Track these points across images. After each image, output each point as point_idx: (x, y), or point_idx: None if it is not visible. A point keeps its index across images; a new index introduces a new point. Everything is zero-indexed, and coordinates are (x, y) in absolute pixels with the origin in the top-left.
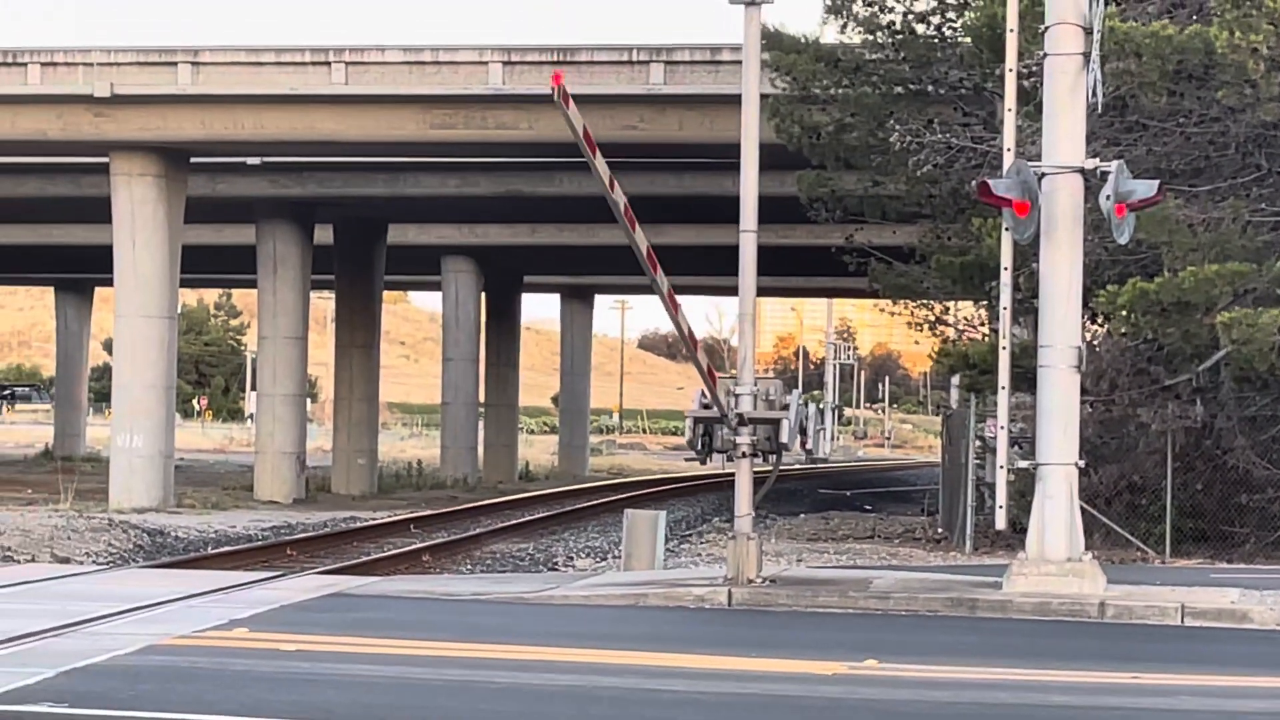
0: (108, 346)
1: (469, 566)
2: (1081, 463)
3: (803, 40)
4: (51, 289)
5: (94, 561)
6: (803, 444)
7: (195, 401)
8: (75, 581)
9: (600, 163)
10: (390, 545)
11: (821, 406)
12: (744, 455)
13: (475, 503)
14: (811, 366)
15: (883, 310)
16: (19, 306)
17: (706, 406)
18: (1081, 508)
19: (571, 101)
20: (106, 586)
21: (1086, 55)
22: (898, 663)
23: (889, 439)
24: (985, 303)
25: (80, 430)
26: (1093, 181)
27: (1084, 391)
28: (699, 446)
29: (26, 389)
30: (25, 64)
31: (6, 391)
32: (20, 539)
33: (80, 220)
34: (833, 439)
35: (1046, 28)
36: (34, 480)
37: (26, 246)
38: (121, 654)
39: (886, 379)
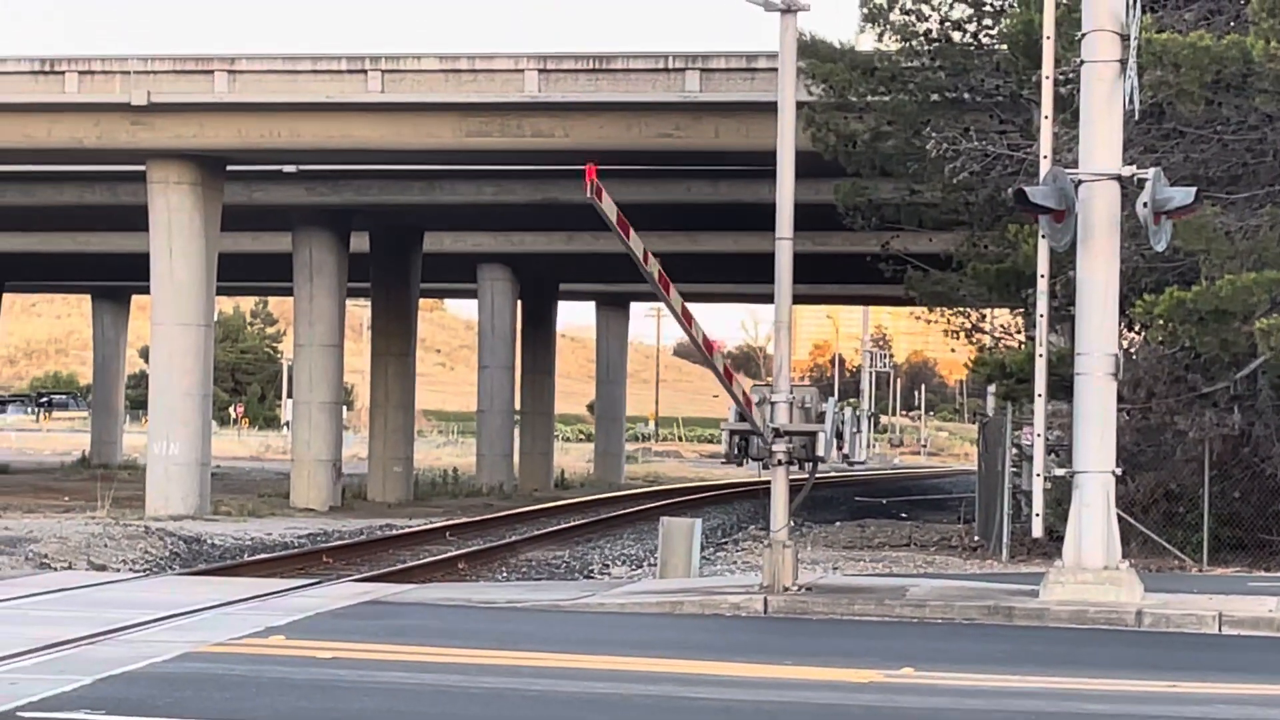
0: (144, 354)
1: (504, 574)
2: (1118, 470)
3: (839, 47)
4: (88, 297)
5: (130, 569)
6: (839, 448)
7: (231, 409)
8: (112, 589)
9: (634, 241)
10: (426, 553)
11: (858, 414)
12: (780, 463)
13: (511, 510)
14: (847, 374)
15: (919, 318)
16: (56, 314)
17: (743, 418)
18: (1118, 516)
19: (605, 194)
20: (143, 594)
21: (1123, 62)
22: (934, 671)
23: (925, 447)
24: (1022, 310)
25: (117, 438)
26: (1129, 189)
27: (1121, 399)
28: (735, 454)
29: (63, 397)
30: (62, 72)
31: (44, 399)
32: (57, 546)
33: (117, 228)
34: (868, 446)
35: (1083, 35)
36: (71, 488)
37: (64, 254)
38: (158, 661)
39: (922, 387)
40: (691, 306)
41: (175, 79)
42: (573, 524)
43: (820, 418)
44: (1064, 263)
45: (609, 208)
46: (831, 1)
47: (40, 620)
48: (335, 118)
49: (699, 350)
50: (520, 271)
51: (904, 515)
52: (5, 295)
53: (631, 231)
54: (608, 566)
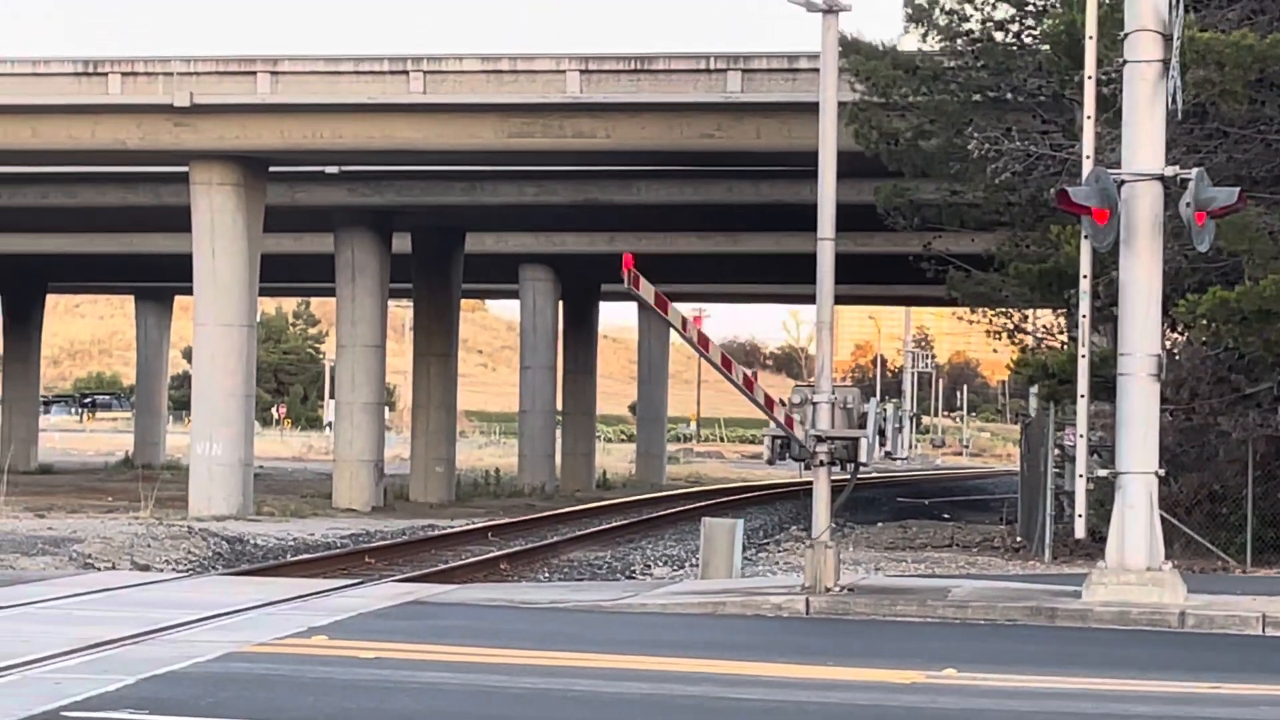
0: (187, 355)
1: (546, 574)
2: (1161, 471)
3: (881, 47)
4: (132, 297)
5: (174, 569)
6: (881, 444)
7: (274, 409)
8: (155, 589)
9: (673, 314)
10: (468, 553)
11: (900, 412)
12: (821, 464)
13: (552, 511)
14: (889, 374)
15: (961, 318)
16: (100, 315)
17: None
18: (1161, 516)
19: (642, 281)
20: (186, 594)
21: (1166, 62)
22: (977, 672)
23: (967, 447)
24: (1064, 311)
25: (160, 438)
26: (1172, 189)
27: (1164, 400)
28: (776, 457)
29: (107, 397)
30: (106, 74)
31: (87, 400)
32: (101, 546)
33: (160, 229)
34: (910, 447)
35: (1126, 34)
36: (114, 488)
37: (107, 255)
38: (201, 661)
39: (964, 387)
40: (732, 307)
41: (218, 80)
42: (614, 524)
43: (862, 419)
44: (1107, 263)
45: (647, 291)
46: (873, 1)
47: (84, 620)
48: (377, 119)
49: (741, 390)
50: (562, 272)
51: (946, 516)
52: (49, 296)
53: (670, 307)
54: (649, 567)
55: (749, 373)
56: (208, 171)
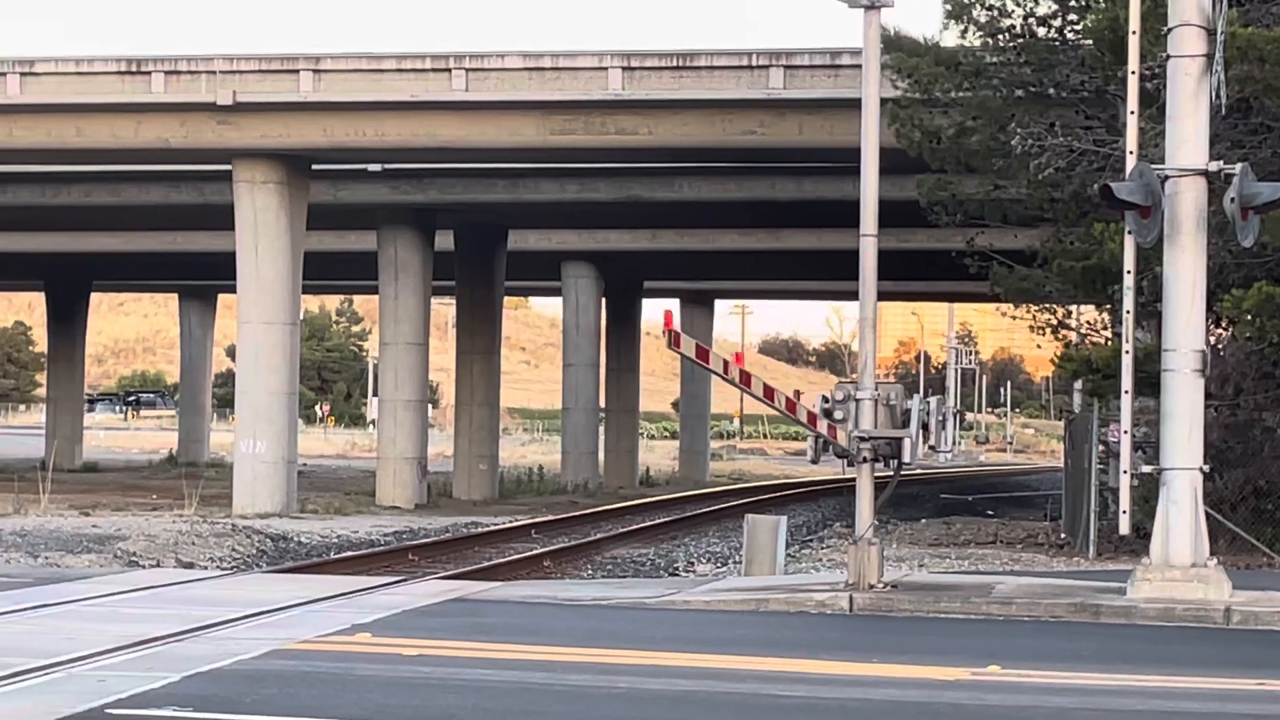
0: (231, 352)
1: (590, 572)
2: (1206, 467)
3: (923, 44)
4: (175, 295)
5: (218, 566)
6: (925, 439)
7: (317, 407)
8: (199, 586)
9: (714, 360)
10: (511, 550)
11: (945, 410)
12: (865, 460)
13: (596, 508)
14: (933, 371)
15: (1004, 314)
16: (143, 313)
17: (829, 413)
18: (1206, 513)
19: (683, 338)
20: (230, 591)
21: (1209, 57)
22: (1021, 668)
23: (1011, 444)
24: (1108, 306)
25: (204, 436)
26: (1216, 184)
27: (1208, 395)
28: (819, 454)
29: (151, 395)
30: (149, 72)
31: (131, 398)
32: (145, 544)
33: (204, 227)
34: (953, 443)
35: (1169, 30)
36: (158, 486)
37: (151, 254)
38: (245, 658)
39: (1008, 383)
40: (775, 304)
41: (261, 78)
42: (658, 521)
43: (905, 415)
44: (1150, 259)
45: (687, 347)
46: None
47: (128, 618)
48: (420, 116)
49: (784, 414)
50: (604, 269)
51: (990, 512)
52: (93, 294)
53: (710, 355)
54: (693, 564)
55: (791, 396)
56: (251, 170)
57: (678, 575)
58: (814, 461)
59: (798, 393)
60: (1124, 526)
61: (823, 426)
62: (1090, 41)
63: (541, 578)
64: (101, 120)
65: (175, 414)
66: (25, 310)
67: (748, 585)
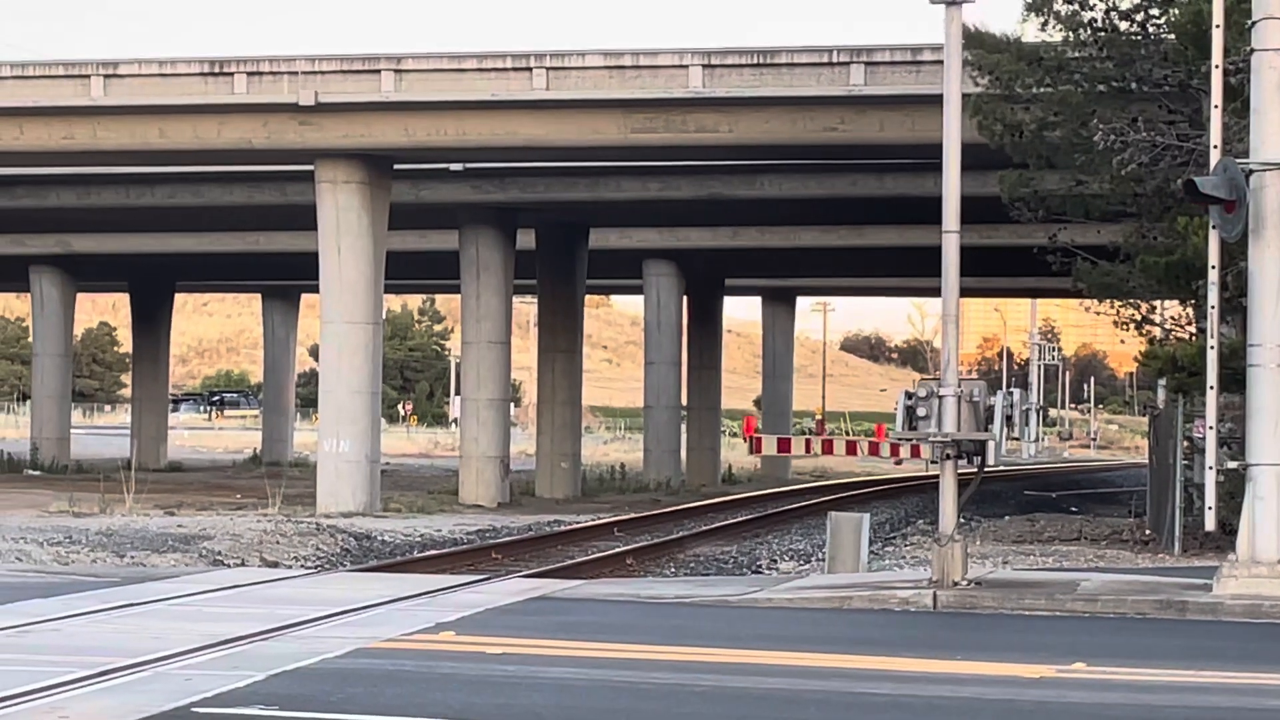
0: (314, 352)
1: (672, 569)
2: None
3: (1004, 39)
4: (259, 296)
5: (302, 565)
6: (1008, 432)
7: (400, 406)
8: (284, 585)
9: (795, 447)
10: (594, 548)
11: (1028, 404)
12: (948, 458)
13: (678, 505)
14: (1016, 367)
15: (1087, 310)
16: (227, 314)
17: (911, 410)
18: None
19: (763, 440)
20: (314, 590)
21: None
22: (1106, 666)
23: (1095, 440)
24: (1192, 302)
25: (287, 435)
26: None
27: None
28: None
29: (235, 395)
30: (231, 74)
31: (215, 398)
32: (230, 543)
33: (286, 228)
34: (1036, 438)
35: (1253, 23)
36: (243, 485)
37: (234, 254)
38: (330, 657)
39: (1092, 379)
40: (857, 300)
41: (342, 79)
42: (740, 519)
43: (989, 412)
44: (1235, 254)
45: (768, 446)
46: None
47: (214, 617)
48: (501, 115)
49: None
50: (685, 267)
51: (1074, 509)
52: (177, 295)
53: (790, 445)
54: (775, 562)
55: (872, 440)
56: (333, 170)
57: (760, 573)
58: (897, 463)
59: (873, 443)
60: (1209, 523)
61: (905, 451)
62: (1173, 35)
63: (624, 576)
64: (184, 121)
65: (259, 413)
66: (110, 311)
67: (831, 583)
